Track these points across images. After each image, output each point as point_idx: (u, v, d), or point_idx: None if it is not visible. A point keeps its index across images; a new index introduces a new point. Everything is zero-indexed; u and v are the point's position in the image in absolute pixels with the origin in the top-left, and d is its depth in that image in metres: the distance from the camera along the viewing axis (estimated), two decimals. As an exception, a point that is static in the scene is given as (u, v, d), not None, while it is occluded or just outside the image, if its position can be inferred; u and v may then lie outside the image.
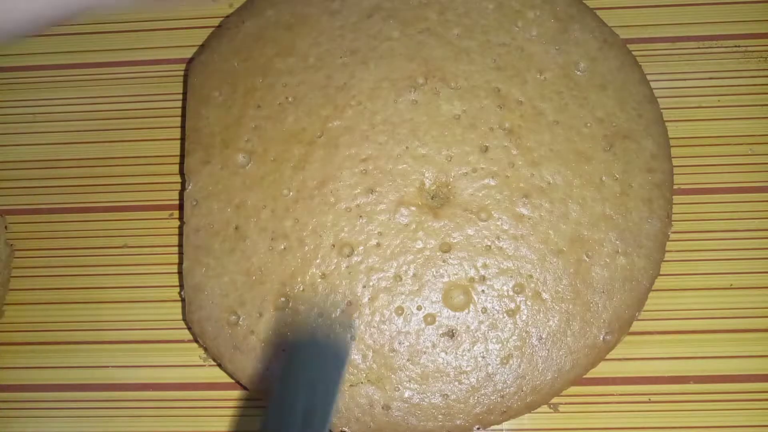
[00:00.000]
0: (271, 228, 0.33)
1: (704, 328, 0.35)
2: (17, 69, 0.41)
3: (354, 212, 0.32)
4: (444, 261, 0.32)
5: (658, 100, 0.35)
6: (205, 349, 0.33)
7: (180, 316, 0.37)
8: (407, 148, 0.33)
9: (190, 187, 0.34)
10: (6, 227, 0.39)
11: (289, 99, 0.34)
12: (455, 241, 0.32)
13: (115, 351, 0.37)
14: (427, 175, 0.33)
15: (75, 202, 0.39)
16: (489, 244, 0.32)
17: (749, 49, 0.39)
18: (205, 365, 0.37)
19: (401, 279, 0.32)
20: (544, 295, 0.31)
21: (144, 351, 0.37)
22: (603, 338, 0.32)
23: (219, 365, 0.33)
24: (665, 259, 0.35)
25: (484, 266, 0.32)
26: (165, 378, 0.37)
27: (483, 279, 0.32)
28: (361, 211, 0.32)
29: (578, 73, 0.34)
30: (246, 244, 0.33)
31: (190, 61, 0.41)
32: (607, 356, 0.33)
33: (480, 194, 0.32)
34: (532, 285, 0.32)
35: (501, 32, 0.34)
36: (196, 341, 0.35)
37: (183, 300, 0.33)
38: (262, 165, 0.33)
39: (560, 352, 0.31)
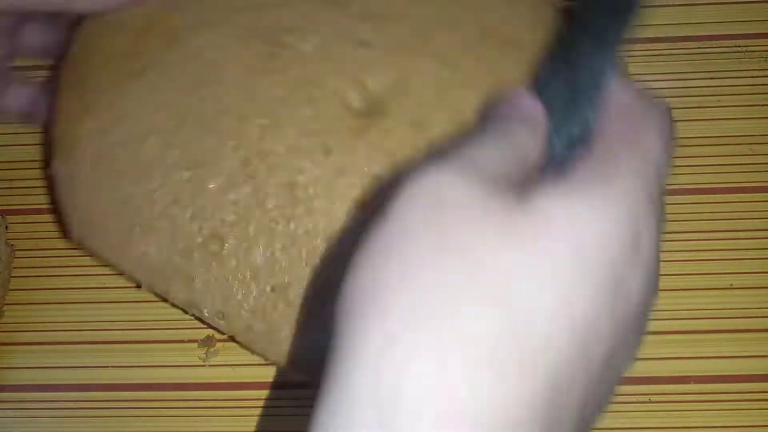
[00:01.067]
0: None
1: (704, 328, 0.35)
2: (17, 69, 0.41)
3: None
4: None
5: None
6: None
7: (179, 316, 0.37)
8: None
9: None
10: (6, 227, 0.39)
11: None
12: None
13: (114, 351, 0.37)
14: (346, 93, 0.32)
15: (75, 202, 0.39)
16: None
17: (749, 49, 0.39)
18: (204, 365, 0.37)
19: None
20: None
21: (143, 351, 0.37)
22: None
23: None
24: (666, 259, 0.35)
25: None
26: (164, 378, 0.37)
27: None
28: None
29: None
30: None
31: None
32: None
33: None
34: None
35: None
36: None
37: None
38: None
39: None
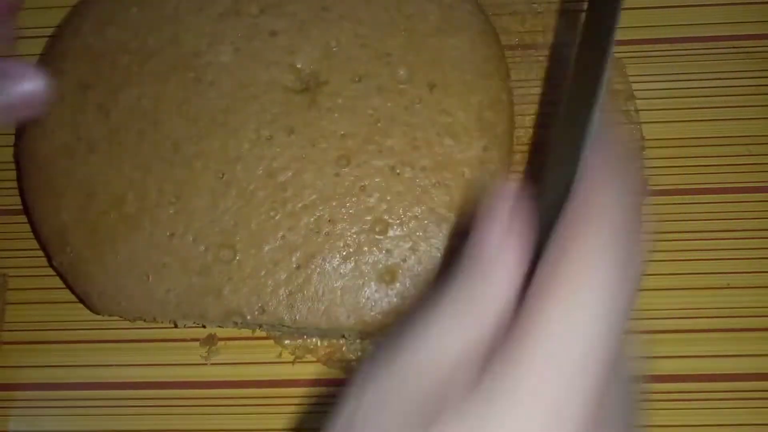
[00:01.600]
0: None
1: (702, 327, 0.36)
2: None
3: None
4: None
5: (658, 100, 0.36)
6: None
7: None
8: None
9: None
10: None
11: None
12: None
13: (117, 350, 0.37)
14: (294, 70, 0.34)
15: (75, 201, 0.39)
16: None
17: (749, 49, 0.39)
18: (206, 364, 0.37)
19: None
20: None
21: (146, 350, 0.37)
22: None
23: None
24: (664, 258, 0.35)
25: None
26: (166, 376, 0.37)
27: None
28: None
29: None
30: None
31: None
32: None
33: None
34: None
35: None
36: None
37: None
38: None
39: None
